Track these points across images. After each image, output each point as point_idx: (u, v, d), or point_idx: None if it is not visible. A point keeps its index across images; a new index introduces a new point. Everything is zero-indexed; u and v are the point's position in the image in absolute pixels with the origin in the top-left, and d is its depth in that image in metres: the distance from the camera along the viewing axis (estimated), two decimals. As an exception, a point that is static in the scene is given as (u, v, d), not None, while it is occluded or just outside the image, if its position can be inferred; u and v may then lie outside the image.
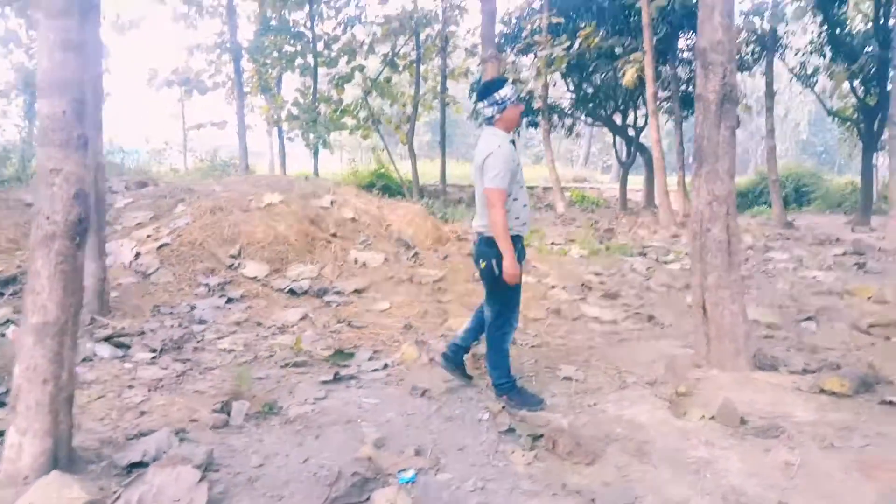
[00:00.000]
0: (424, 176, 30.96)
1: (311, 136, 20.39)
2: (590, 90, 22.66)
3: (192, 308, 6.56)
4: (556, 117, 23.46)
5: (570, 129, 25.36)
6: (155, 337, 5.37)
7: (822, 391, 4.48)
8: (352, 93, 24.05)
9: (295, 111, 20.65)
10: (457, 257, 9.44)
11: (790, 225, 17.05)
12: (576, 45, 16.42)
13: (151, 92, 20.65)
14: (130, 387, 4.39)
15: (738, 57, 20.47)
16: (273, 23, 19.99)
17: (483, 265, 4.19)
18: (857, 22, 19.64)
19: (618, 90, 21.83)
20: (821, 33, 18.57)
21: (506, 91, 4.09)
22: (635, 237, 14.10)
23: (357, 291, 7.50)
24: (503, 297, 4.22)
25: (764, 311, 6.89)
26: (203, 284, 7.26)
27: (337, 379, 4.58)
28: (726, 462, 3.49)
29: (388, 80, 22.34)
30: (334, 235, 9.20)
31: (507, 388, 4.27)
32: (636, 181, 28.30)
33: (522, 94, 19.47)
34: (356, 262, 8.50)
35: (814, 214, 24.41)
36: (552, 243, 11.49)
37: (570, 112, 23.83)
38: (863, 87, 18.89)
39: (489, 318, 4.27)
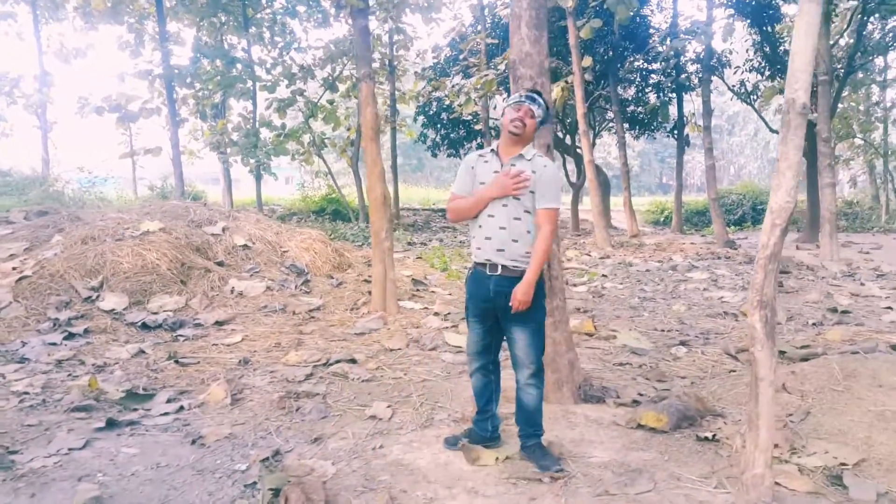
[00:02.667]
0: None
1: (252, 161, 20.01)
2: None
3: (24, 345, 6.13)
4: (501, 139, 23.30)
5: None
6: (-56, 381, 4.93)
7: (640, 426, 4.14)
8: (296, 117, 23.73)
9: (235, 136, 20.27)
10: (352, 284, 9.07)
11: (732, 244, 16.81)
12: (501, 67, 16.19)
13: (100, 120, 20.18)
14: None
15: (683, 76, 20.39)
16: (208, 48, 19.67)
17: None
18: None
19: (566, 111, 21.65)
20: (756, 50, 18.50)
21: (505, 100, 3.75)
22: (565, 259, 13.79)
23: (218, 323, 7.09)
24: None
25: (637, 337, 6.56)
26: (51, 319, 6.83)
27: (111, 425, 4.16)
28: (479, 515, 3.12)
29: (332, 102, 22.03)
30: (220, 264, 8.81)
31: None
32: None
33: (459, 114, 19.21)
34: (232, 291, 8.11)
35: (767, 232, 24.25)
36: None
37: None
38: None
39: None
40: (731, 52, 19.63)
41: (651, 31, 21.09)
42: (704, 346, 6.27)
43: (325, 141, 21.86)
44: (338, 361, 5.62)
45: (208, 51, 19.30)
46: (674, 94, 22.02)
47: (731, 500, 3.19)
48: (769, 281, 3.06)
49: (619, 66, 20.72)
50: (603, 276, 11.07)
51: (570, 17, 15.29)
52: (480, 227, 3.61)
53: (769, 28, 18.34)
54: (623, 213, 22.19)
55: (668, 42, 20.01)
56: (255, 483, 3.38)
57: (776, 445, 3.79)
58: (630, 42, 20.51)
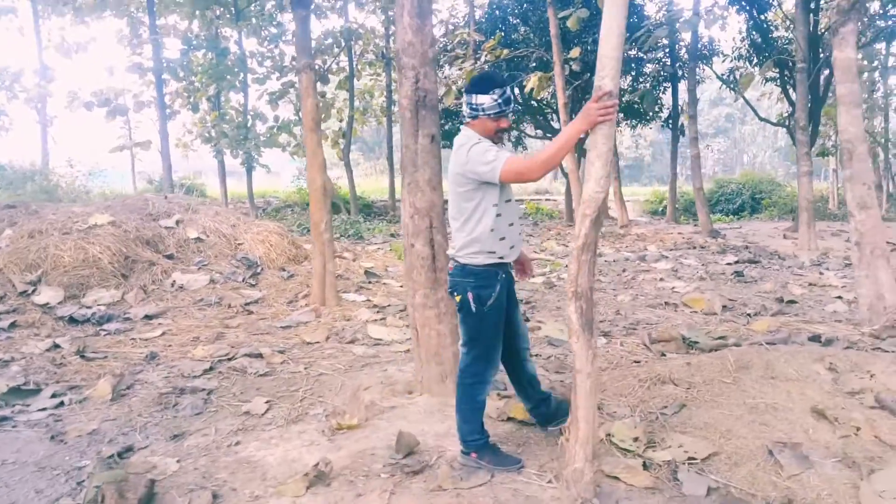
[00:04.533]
0: (380, 192, 30.67)
1: (241, 153, 20.05)
2: (533, 102, 22.26)
3: (-58, 341, 6.16)
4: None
5: (517, 142, 25.00)
6: None
7: (510, 419, 4.07)
8: (289, 110, 23.70)
9: (227, 129, 20.28)
10: (302, 277, 9.05)
11: (716, 233, 16.60)
12: (481, 59, 16.05)
13: (100, 114, 20.19)
14: None
15: (677, 65, 20.10)
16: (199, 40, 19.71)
17: (458, 298, 3.39)
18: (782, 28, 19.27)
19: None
20: (744, 38, 18.21)
21: (484, 100, 3.26)
22: (539, 249, 13.70)
23: (147, 317, 7.09)
24: (480, 341, 3.42)
25: (562, 328, 6.47)
26: (-19, 314, 6.87)
27: (-20, 421, 4.17)
28: (295, 512, 3.07)
29: (323, 94, 22.00)
30: (170, 257, 8.82)
31: (478, 445, 3.48)
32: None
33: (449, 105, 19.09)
34: (173, 284, 8.11)
35: (763, 222, 24.00)
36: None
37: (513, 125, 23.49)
38: (795, 93, 18.51)
39: (462, 363, 3.51)
40: (719, 41, 19.37)
41: (646, 21, 20.79)
42: (626, 337, 6.17)
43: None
44: (244, 356, 5.59)
45: (199, 43, 19.30)
46: (669, 84, 21.78)
47: (557, 496, 3.13)
48: (583, 272, 2.98)
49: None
50: (566, 266, 10.95)
51: (551, 6, 15.12)
52: (511, 224, 3.41)
53: (760, 16, 18.03)
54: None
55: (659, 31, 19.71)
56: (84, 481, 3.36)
57: (636, 439, 3.73)
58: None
